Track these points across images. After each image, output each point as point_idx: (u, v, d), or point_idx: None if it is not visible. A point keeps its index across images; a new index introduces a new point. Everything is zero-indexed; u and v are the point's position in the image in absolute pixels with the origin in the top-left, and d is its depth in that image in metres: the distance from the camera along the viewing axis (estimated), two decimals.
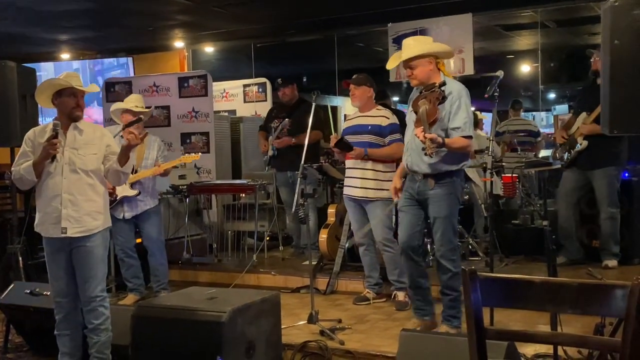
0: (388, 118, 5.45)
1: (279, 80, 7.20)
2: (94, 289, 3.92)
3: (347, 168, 5.56)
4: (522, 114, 9.42)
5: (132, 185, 5.64)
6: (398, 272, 5.42)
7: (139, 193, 5.66)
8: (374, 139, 5.41)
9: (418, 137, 4.01)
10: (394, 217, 5.82)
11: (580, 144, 6.02)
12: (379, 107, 5.60)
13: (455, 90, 4.17)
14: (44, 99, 4.04)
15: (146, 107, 5.99)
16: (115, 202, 5.61)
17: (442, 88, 4.08)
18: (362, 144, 5.39)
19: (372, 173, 5.39)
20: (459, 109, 4.14)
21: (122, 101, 6.03)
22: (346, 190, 5.58)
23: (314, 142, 6.70)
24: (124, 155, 3.96)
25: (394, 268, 5.46)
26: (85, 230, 3.91)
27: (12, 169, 4.06)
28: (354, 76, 5.58)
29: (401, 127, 5.36)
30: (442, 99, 4.06)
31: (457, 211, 4.39)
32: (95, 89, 4.43)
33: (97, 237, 3.95)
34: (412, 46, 4.31)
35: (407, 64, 4.29)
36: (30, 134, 4.05)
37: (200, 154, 6.08)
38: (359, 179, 5.44)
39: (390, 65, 4.52)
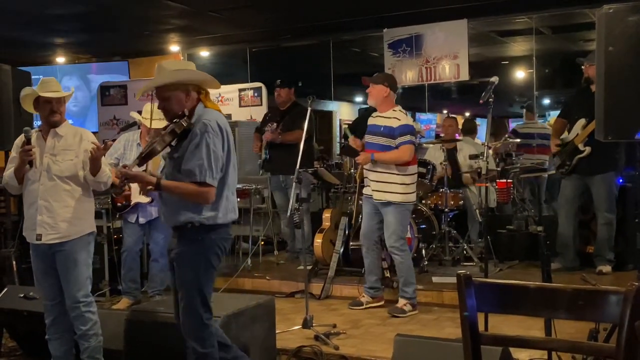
0: (399, 119, 5.34)
1: (278, 81, 7.21)
2: (76, 293, 3.91)
3: (364, 169, 5.56)
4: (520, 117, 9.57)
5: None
6: (402, 281, 5.41)
7: (152, 200, 5.69)
8: (386, 140, 5.36)
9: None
10: (412, 225, 5.80)
11: (583, 151, 6.00)
12: (396, 107, 5.46)
13: (200, 126, 3.35)
14: (28, 107, 4.08)
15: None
16: (129, 208, 5.67)
17: (190, 120, 3.38)
18: (377, 146, 5.38)
19: (383, 175, 5.34)
20: (196, 148, 3.32)
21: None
22: (364, 189, 5.57)
23: (295, 141, 6.77)
24: (92, 166, 3.92)
25: (400, 276, 5.44)
26: (61, 236, 3.91)
27: (4, 174, 4.09)
28: (375, 74, 5.55)
29: None
30: (183, 132, 3.36)
31: (209, 277, 3.47)
32: (63, 94, 4.07)
33: (75, 243, 3.93)
34: (166, 72, 3.46)
35: (159, 94, 3.44)
36: (18, 140, 4.08)
37: None
38: (372, 181, 5.41)
39: (139, 94, 3.70)
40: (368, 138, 5.50)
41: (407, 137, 5.31)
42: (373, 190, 5.40)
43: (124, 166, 3.47)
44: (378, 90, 5.40)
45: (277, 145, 6.93)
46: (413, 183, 5.45)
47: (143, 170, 3.44)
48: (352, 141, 5.59)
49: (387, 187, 5.32)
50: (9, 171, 3.99)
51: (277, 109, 7.28)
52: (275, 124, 7.03)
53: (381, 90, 5.40)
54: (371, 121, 5.55)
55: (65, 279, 3.90)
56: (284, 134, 6.96)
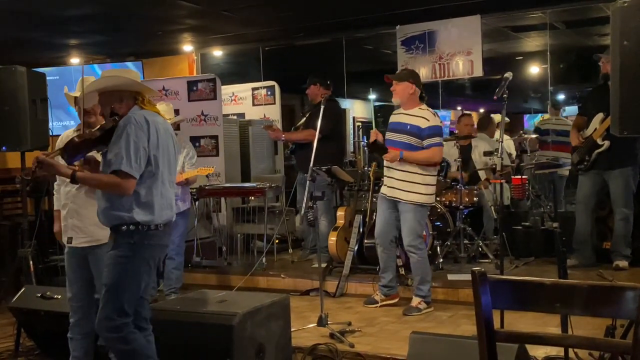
0: (428, 120, 5.24)
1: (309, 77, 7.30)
2: None
3: (385, 167, 5.47)
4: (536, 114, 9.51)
5: None
6: (419, 280, 5.38)
7: None
8: (412, 140, 5.26)
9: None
10: (427, 223, 5.77)
11: (602, 145, 5.94)
12: (423, 106, 5.35)
13: (124, 119, 3.44)
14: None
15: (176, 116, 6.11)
16: None
17: (116, 118, 3.49)
18: (400, 144, 5.28)
19: (406, 175, 5.26)
20: (118, 139, 3.37)
21: None
22: (382, 189, 5.51)
23: (304, 141, 6.83)
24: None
25: (416, 274, 5.42)
26: (91, 240, 3.91)
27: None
28: (397, 71, 5.49)
29: None
30: (111, 129, 3.45)
31: (133, 285, 3.44)
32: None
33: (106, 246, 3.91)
34: (99, 79, 3.61)
35: (100, 98, 3.60)
36: (63, 136, 4.10)
37: (214, 167, 6.22)
38: (393, 179, 5.33)
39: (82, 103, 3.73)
40: (390, 135, 5.39)
41: (437, 139, 5.24)
42: (390, 187, 5.34)
43: (46, 154, 3.51)
44: (404, 88, 5.31)
45: (301, 143, 7.02)
46: (434, 184, 5.42)
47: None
48: (374, 133, 5.50)
49: (410, 186, 5.25)
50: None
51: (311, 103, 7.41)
52: (304, 118, 7.20)
53: (407, 87, 5.31)
54: (394, 118, 5.45)
55: (98, 282, 3.90)
56: (289, 133, 7.19)
